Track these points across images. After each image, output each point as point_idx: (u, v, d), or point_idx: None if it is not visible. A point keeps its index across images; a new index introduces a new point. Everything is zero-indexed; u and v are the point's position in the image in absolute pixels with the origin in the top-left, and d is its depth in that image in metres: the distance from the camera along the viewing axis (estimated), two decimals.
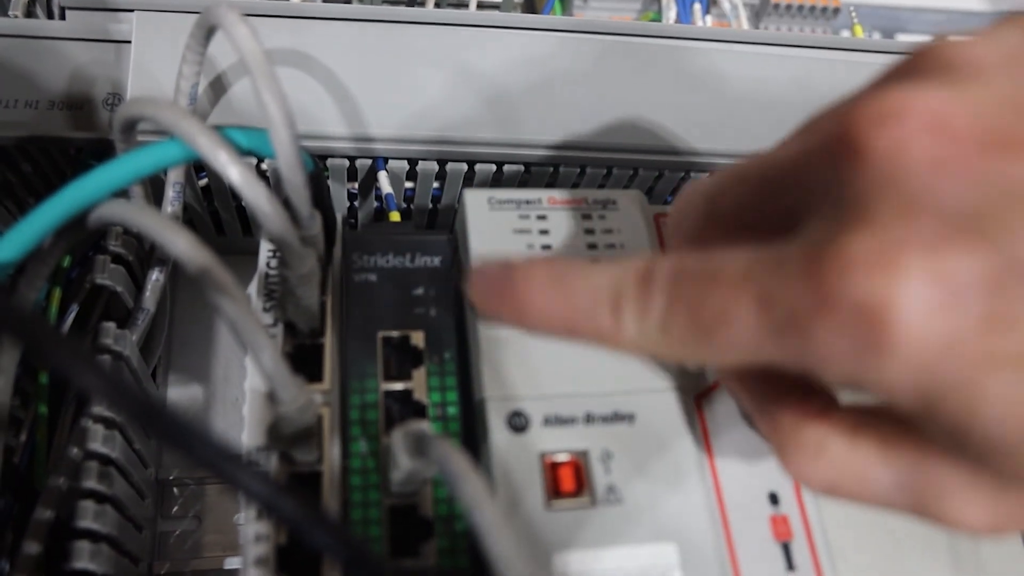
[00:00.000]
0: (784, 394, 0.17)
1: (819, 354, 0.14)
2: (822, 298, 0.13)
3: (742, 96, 0.30)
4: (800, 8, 0.42)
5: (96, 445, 0.23)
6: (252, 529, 0.18)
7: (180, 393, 0.32)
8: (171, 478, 0.29)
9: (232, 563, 0.29)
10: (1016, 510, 0.15)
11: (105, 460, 0.23)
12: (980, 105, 0.14)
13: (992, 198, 0.13)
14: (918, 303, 0.13)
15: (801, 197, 0.16)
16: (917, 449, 0.15)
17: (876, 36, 0.45)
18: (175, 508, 0.29)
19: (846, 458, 0.16)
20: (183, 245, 0.17)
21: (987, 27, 0.15)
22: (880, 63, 0.30)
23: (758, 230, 0.16)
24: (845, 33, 0.44)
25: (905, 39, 0.45)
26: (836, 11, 0.42)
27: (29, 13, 0.30)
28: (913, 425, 0.15)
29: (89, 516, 0.22)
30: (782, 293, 0.14)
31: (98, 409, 0.23)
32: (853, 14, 0.41)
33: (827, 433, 0.17)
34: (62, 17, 0.28)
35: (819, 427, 0.17)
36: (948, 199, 0.13)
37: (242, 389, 0.21)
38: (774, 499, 0.21)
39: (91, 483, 0.22)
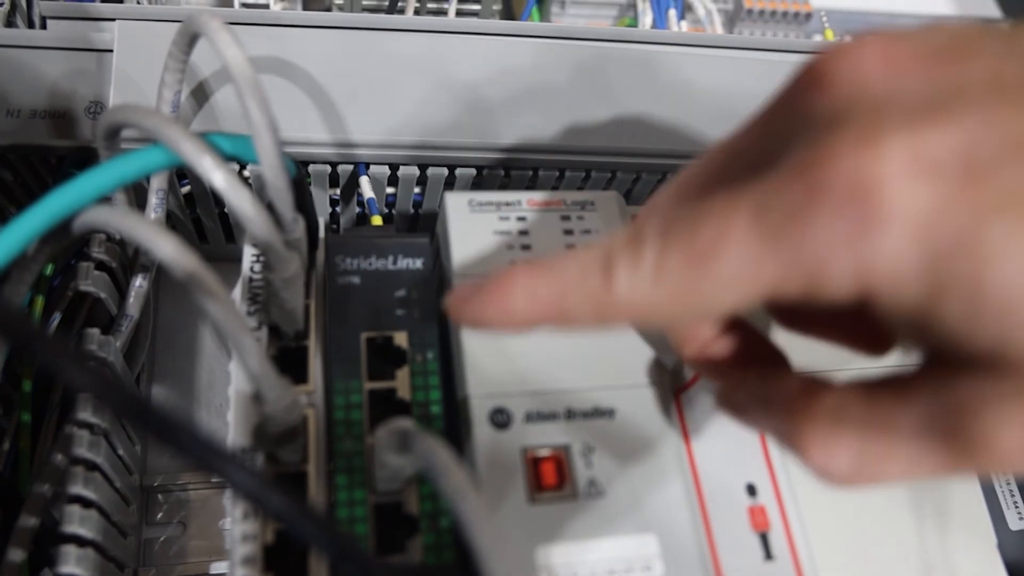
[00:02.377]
0: (786, 377, 0.18)
1: (818, 250, 0.14)
2: (813, 188, 0.14)
3: (717, 99, 0.30)
4: (773, 13, 0.43)
5: (81, 451, 0.23)
6: (239, 529, 0.19)
7: (164, 399, 0.32)
8: (156, 485, 0.29)
9: (217, 568, 0.29)
10: None
11: (90, 466, 0.23)
12: (923, 38, 0.16)
13: (946, 92, 0.14)
14: (904, 171, 0.14)
15: (775, 139, 0.17)
16: (936, 375, 0.15)
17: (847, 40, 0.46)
18: (160, 514, 0.29)
19: (866, 415, 0.16)
20: (168, 249, 0.17)
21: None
22: None
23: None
24: (817, 37, 0.45)
25: None
26: (808, 16, 0.43)
27: (9, 23, 0.30)
28: (924, 337, 0.15)
29: (75, 521, 0.22)
30: (774, 198, 0.15)
31: (83, 415, 0.23)
32: (824, 19, 0.42)
33: (844, 396, 0.16)
34: (43, 27, 0.28)
35: (834, 393, 0.16)
36: (909, 96, 0.14)
37: (226, 395, 0.21)
38: (752, 490, 0.22)
39: (76, 488, 0.22)
